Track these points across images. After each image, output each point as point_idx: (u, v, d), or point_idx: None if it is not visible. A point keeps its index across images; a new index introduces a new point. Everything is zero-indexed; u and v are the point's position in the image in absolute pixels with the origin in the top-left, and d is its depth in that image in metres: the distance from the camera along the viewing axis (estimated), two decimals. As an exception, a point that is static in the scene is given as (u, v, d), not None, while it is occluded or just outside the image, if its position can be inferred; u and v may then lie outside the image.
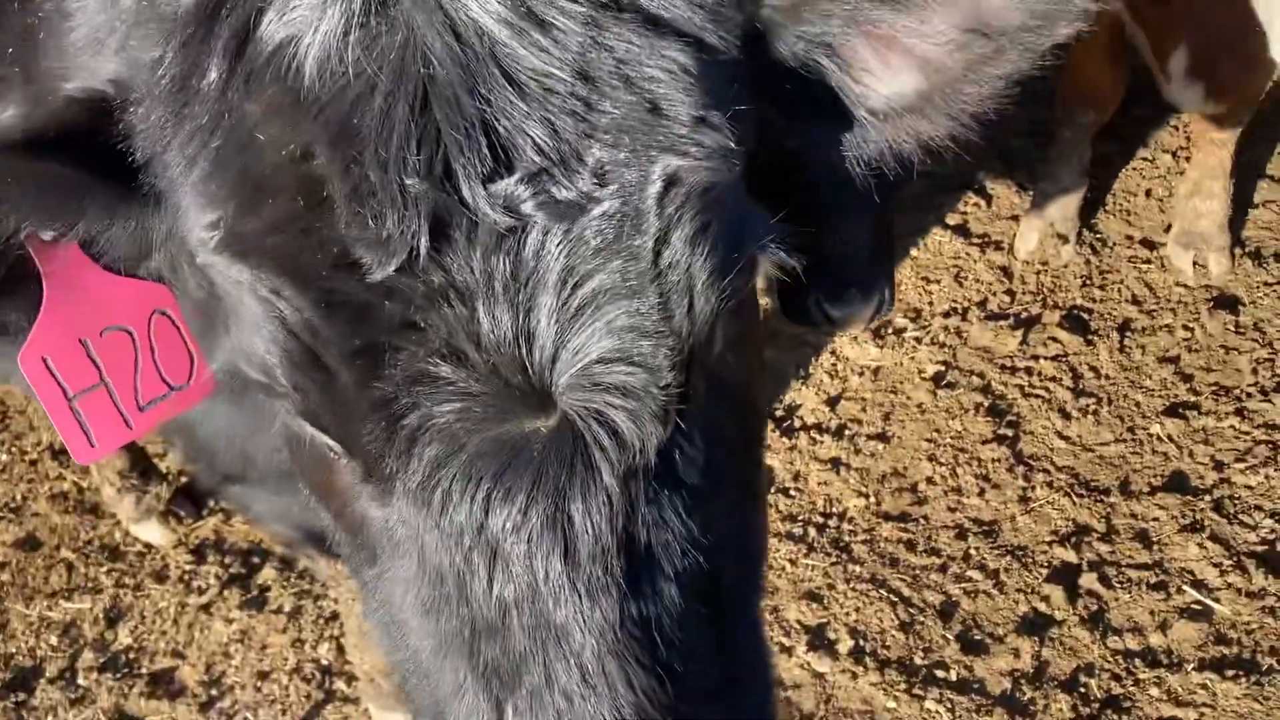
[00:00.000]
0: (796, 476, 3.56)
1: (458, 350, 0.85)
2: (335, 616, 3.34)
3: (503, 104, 0.82)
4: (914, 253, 4.04)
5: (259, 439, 1.83)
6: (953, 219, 4.14)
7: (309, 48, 0.84)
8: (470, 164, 0.82)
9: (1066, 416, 3.55)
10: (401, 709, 3.02)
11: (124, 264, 0.97)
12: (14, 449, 4.00)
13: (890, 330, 3.85)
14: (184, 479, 3.77)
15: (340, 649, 3.29)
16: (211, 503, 3.72)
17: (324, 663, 3.29)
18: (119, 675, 3.33)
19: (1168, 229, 3.95)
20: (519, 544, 0.89)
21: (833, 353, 3.88)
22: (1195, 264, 3.80)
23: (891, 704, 3.02)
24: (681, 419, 0.94)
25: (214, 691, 3.26)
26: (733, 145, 0.91)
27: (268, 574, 3.53)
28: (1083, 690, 2.98)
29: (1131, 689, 2.97)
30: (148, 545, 3.65)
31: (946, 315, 3.89)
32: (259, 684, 3.26)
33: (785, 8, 0.98)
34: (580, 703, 0.90)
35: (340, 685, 3.23)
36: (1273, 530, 3.19)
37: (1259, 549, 3.16)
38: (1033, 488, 3.40)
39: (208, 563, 3.58)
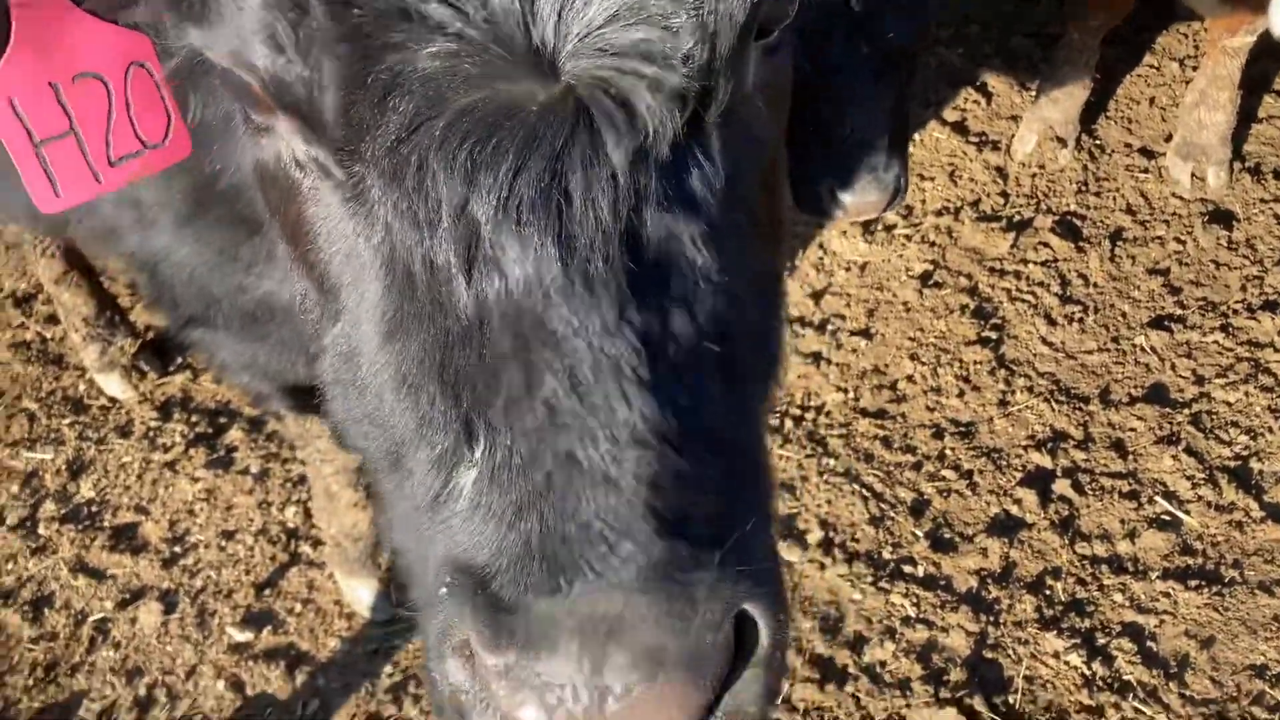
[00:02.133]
0: (776, 367, 3.52)
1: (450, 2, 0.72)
2: (303, 480, 3.30)
3: None
4: (910, 149, 3.95)
5: (221, 275, 1.75)
6: (951, 115, 4.04)
7: None
8: None
9: (1052, 323, 3.52)
10: (367, 575, 3.01)
11: (105, 9, 0.88)
12: (-26, 295, 3.87)
13: (880, 226, 3.78)
14: (151, 334, 3.67)
15: (307, 513, 3.25)
16: (179, 359, 3.64)
17: (290, 526, 3.25)
18: (81, 527, 3.28)
19: (1168, 139, 3.87)
20: (505, 223, 0.76)
21: (820, 246, 3.81)
22: (1193, 176, 3.74)
23: (857, 595, 3.04)
24: (700, 129, 0.81)
25: (177, 549, 3.22)
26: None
27: (235, 435, 3.46)
28: (1048, 592, 3.01)
29: (1095, 593, 3.00)
30: (112, 400, 3.57)
31: (939, 214, 3.82)
32: (223, 543, 3.23)
33: None
34: (566, 414, 0.77)
35: (306, 549, 3.20)
36: (1247, 447, 3.20)
37: (1232, 464, 3.17)
38: (1013, 392, 3.39)
39: (174, 420, 3.51)
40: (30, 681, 2.98)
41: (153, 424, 3.51)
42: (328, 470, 2.81)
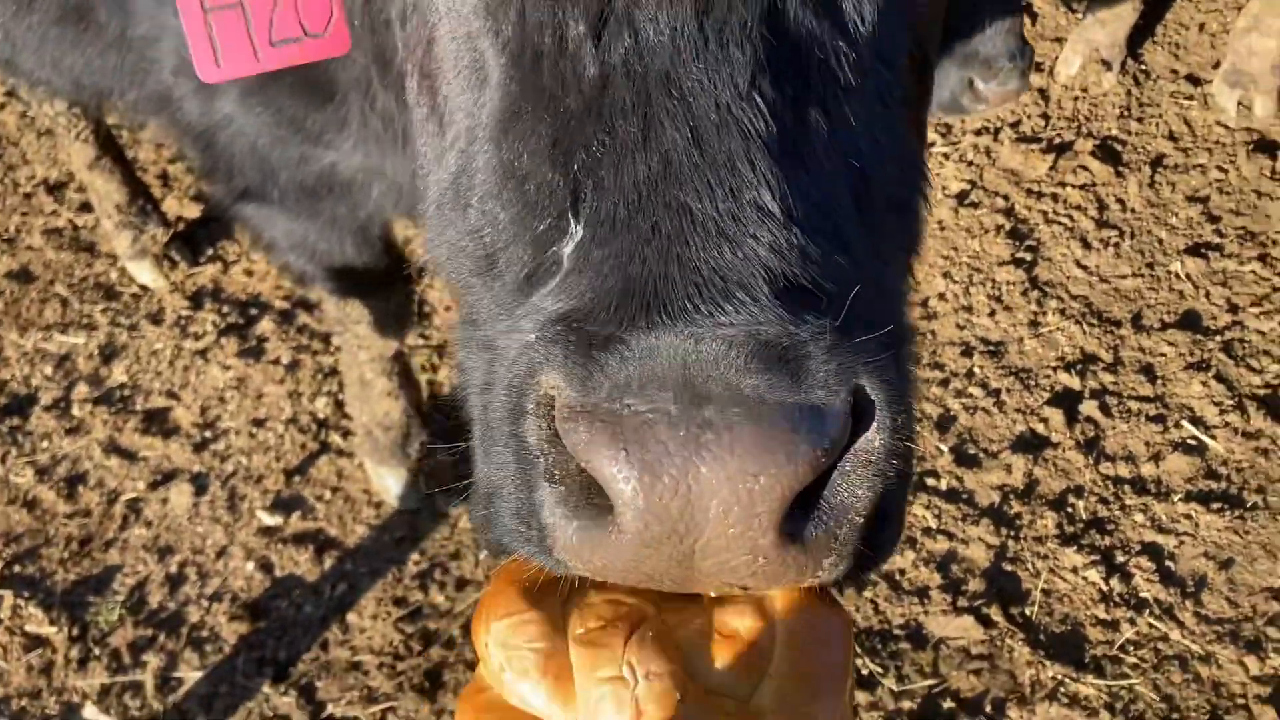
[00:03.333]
0: (807, 281, 3.52)
1: None
2: (333, 372, 3.33)
3: None
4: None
5: (285, 150, 1.74)
6: (997, 34, 3.97)
7: None
8: None
9: (1087, 246, 3.50)
10: (397, 464, 3.04)
11: None
12: (7, 180, 3.88)
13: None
14: (182, 225, 3.68)
15: (337, 404, 3.28)
16: (210, 250, 3.65)
17: (320, 416, 3.28)
18: (114, 410, 3.32)
19: (1215, 66, 3.81)
20: None
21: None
22: (1240, 104, 3.69)
23: (880, 505, 3.06)
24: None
25: (208, 434, 3.27)
26: None
27: (266, 325, 3.49)
28: (1069, 510, 3.03)
29: (1117, 513, 3.02)
30: (143, 287, 3.59)
31: (978, 134, 3.77)
32: (253, 430, 3.26)
33: None
34: (684, 167, 0.72)
35: (335, 438, 3.24)
36: (1278, 376, 3.19)
37: (1261, 392, 3.17)
38: (1044, 313, 3.38)
39: (205, 310, 3.53)
40: (65, 554, 3.04)
41: (184, 313, 3.53)
42: (364, 357, 2.83)
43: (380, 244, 2.22)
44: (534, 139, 0.77)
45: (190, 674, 2.82)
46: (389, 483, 3.06)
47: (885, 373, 0.73)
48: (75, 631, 2.90)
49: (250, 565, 3.01)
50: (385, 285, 2.47)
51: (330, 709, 2.75)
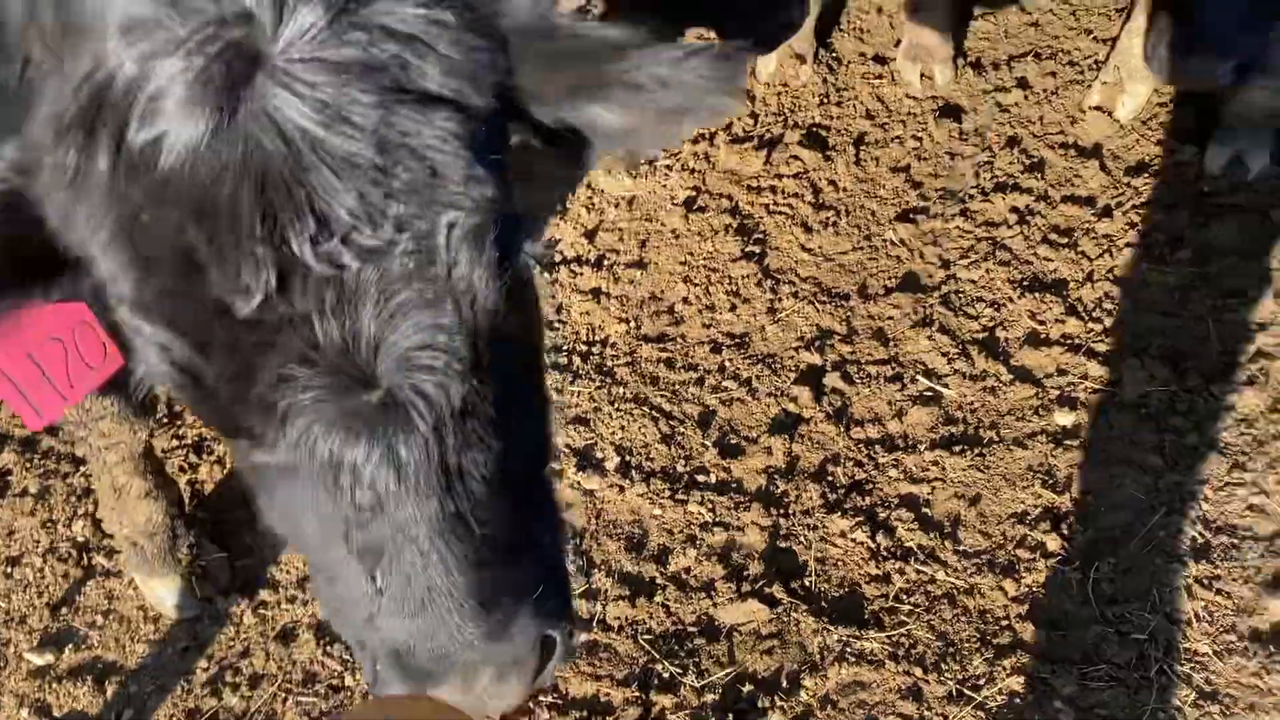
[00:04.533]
0: (560, 309, 3.60)
1: (306, 357, 1.17)
2: (88, 492, 3.20)
3: (320, 182, 1.13)
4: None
5: None
6: (696, 45, 4.16)
7: (173, 149, 1.12)
8: (299, 232, 1.13)
9: (809, 230, 3.71)
10: (168, 572, 2.95)
11: (60, 295, 1.30)
12: None
13: (643, 162, 3.88)
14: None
15: (96, 524, 3.16)
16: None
17: (80, 539, 3.15)
18: None
19: (897, 44, 4.10)
20: (366, 470, 1.24)
21: (589, 186, 3.89)
22: (922, 75, 3.98)
23: (657, 511, 3.17)
24: (476, 375, 1.26)
25: (-40, 583, 3.08)
26: (496, 193, 1.22)
27: (7, 458, 3.33)
28: (830, 478, 3.21)
29: (873, 473, 3.21)
30: None
31: (695, 141, 3.95)
32: (9, 569, 3.10)
33: (531, 90, 1.31)
34: (422, 567, 1.30)
35: (100, 560, 3.11)
36: (992, 318, 3.46)
37: (980, 336, 3.43)
38: (779, 299, 3.56)
39: (-63, 454, 3.33)
40: None
41: (-85, 461, 3.33)
42: (111, 459, 2.72)
43: None
44: (332, 526, 1.34)
45: (-25, 840, 2.66)
46: (162, 594, 2.96)
47: (558, 625, 1.45)
48: None
49: (25, 712, 2.86)
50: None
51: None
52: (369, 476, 1.24)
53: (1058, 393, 3.30)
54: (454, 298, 1.18)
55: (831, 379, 3.39)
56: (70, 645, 2.96)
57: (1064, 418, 3.23)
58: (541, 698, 2.82)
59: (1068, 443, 3.19)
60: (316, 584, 1.55)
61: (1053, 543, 3.01)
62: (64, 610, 3.03)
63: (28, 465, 3.30)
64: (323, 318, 1.15)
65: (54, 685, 2.89)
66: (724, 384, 3.41)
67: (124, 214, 1.15)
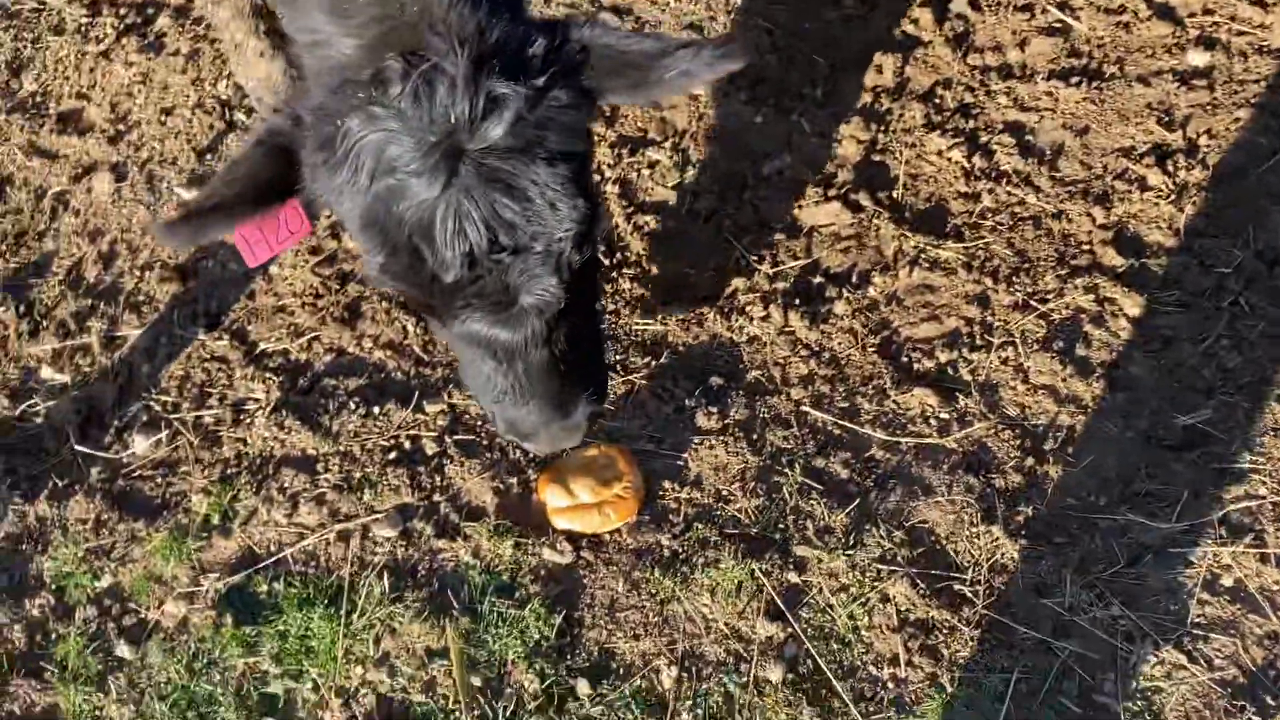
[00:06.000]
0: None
1: (480, 292, 1.87)
2: (231, 55, 3.43)
3: (490, 215, 1.81)
4: None
5: None
6: None
7: (415, 198, 1.82)
8: (480, 246, 1.81)
9: None
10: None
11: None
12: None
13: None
14: (67, -69, 3.70)
15: (238, 87, 3.40)
16: (98, -46, 3.68)
17: (223, 97, 3.41)
18: (28, 116, 3.46)
19: None
20: (510, 340, 1.96)
21: None
22: None
23: (759, 119, 3.21)
24: (570, 291, 1.93)
25: (121, 127, 3.41)
26: (586, 211, 1.88)
27: (163, 22, 3.57)
28: (937, 101, 3.17)
29: (982, 98, 3.15)
30: (40, 1, 3.65)
31: None
32: (163, 119, 3.41)
33: (605, 92, 1.97)
34: (530, 391, 2.09)
35: (240, 116, 3.38)
36: (1142, -49, 3.24)
37: (1126, -30, 3.22)
38: (917, -82, 3.40)
39: (103, 15, 3.60)
40: (2, 248, 3.26)
41: (84, 20, 3.61)
42: (223, 14, 2.92)
43: None
44: (488, 372, 2.12)
45: (131, 332, 3.08)
46: (292, 148, 3.23)
47: (598, 403, 2.29)
48: (22, 309, 3.15)
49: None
50: None
51: (261, 346, 3.02)
52: (509, 342, 1.97)
53: (1197, 32, 3.12)
54: (558, 265, 1.87)
55: (958, 4, 3.28)
56: (213, 186, 3.28)
57: (1198, 57, 3.07)
58: (627, 270, 3.00)
59: (1195, 83, 3.05)
60: (474, 390, 2.28)
61: (1154, 177, 2.94)
62: (208, 157, 3.33)
63: (180, 29, 3.54)
64: (491, 278, 1.85)
65: (198, 217, 3.23)
66: (845, 2, 3.34)
67: (374, 213, 1.83)
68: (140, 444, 2.85)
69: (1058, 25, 3.21)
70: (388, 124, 1.79)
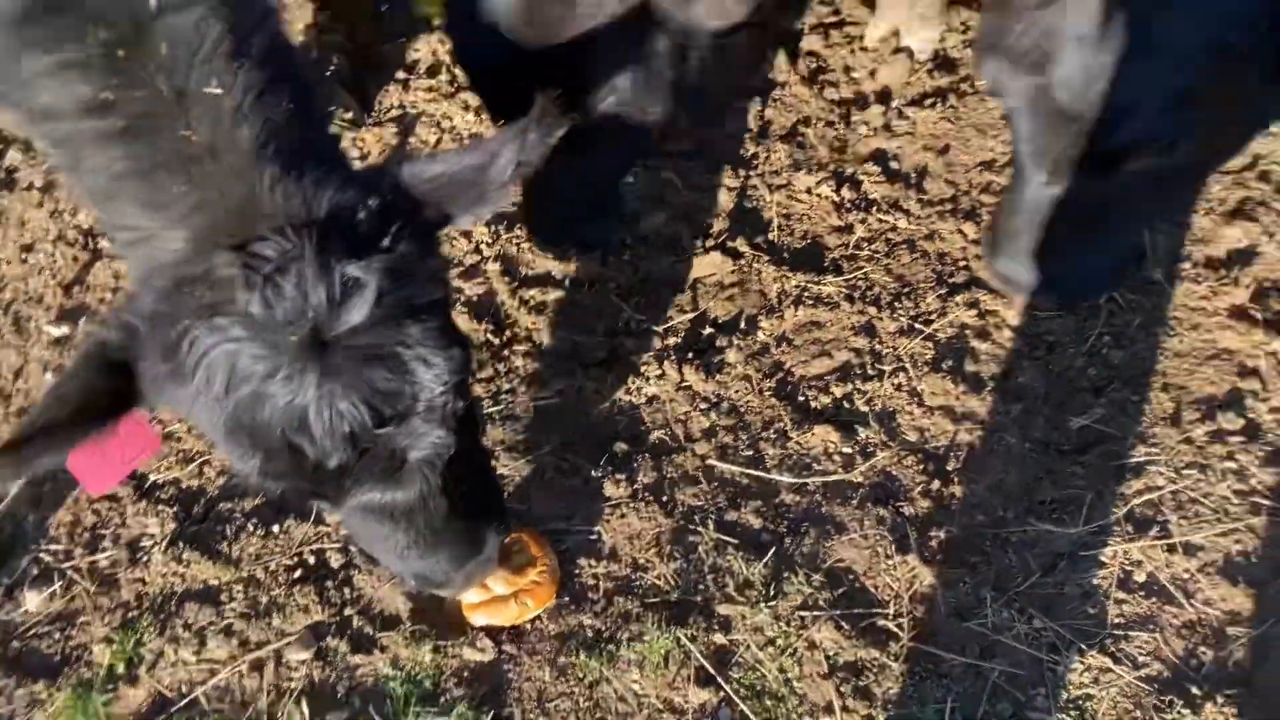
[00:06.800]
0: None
1: (369, 465, 1.80)
2: (87, 183, 3.35)
3: (371, 392, 1.73)
4: None
5: None
6: None
7: (278, 405, 1.71)
8: (364, 426, 1.73)
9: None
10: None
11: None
12: None
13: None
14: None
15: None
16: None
17: (85, 226, 3.33)
18: (-118, 271, 3.34)
19: None
20: (406, 499, 1.90)
21: None
22: None
23: (630, 180, 3.21)
24: (456, 433, 1.86)
25: (-20, 270, 3.31)
26: (461, 357, 1.83)
27: (13, 156, 3.48)
28: (800, 139, 3.21)
29: (844, 131, 3.20)
30: (-117, 150, 3.54)
31: None
32: (24, 256, 3.31)
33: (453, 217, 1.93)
34: (437, 541, 2.04)
35: (104, 244, 3.30)
36: (975, -31, 3.32)
37: (961, -12, 3.30)
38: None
39: (-50, 157, 3.50)
40: None
41: (-69, 165, 3.50)
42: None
43: None
44: (383, 533, 2.02)
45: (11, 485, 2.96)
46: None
47: (501, 530, 2.30)
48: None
49: (49, 376, 3.12)
50: None
51: (151, 478, 2.92)
52: (397, 505, 1.91)
53: (1037, 41, 3.20)
54: (443, 419, 1.82)
55: (809, 41, 3.33)
56: (84, 318, 3.19)
57: (1041, 66, 3.15)
58: (518, 346, 2.98)
59: (1042, 90, 3.13)
60: (377, 554, 2.21)
61: (1017, 187, 3.00)
62: (76, 289, 3.24)
63: (31, 162, 3.46)
64: (377, 447, 1.78)
65: (72, 352, 3.13)
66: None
67: (238, 421, 1.72)
68: (33, 599, 2.74)
69: (904, 48, 3.28)
70: (234, 333, 1.67)
